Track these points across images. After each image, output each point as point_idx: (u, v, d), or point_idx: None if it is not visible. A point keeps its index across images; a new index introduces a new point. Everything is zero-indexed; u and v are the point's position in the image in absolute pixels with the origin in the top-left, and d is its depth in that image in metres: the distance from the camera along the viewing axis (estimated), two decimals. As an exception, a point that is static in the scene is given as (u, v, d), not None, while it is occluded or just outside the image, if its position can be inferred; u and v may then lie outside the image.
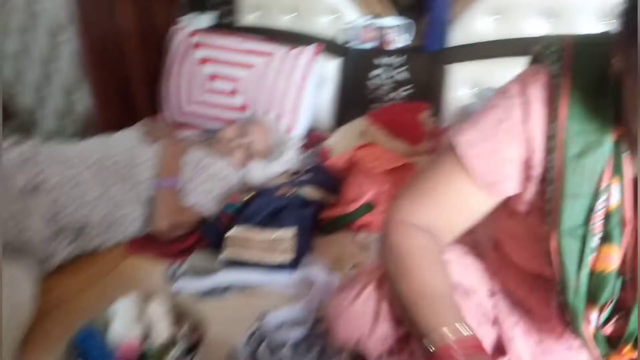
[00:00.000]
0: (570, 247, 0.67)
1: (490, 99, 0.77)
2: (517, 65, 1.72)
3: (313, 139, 1.96)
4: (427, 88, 1.87)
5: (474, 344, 0.63)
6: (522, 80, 0.72)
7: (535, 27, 1.76)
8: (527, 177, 0.71)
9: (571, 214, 0.66)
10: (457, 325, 0.64)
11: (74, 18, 1.93)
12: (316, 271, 1.18)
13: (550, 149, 0.68)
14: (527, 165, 0.70)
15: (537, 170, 0.70)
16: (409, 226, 0.75)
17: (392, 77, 1.90)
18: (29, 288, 1.09)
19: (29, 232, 1.21)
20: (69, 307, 1.16)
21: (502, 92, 0.75)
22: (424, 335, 0.64)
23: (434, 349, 0.63)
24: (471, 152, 0.72)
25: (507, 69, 1.69)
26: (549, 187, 0.68)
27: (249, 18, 2.21)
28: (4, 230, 1.17)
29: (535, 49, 0.75)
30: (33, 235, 1.21)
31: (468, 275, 0.86)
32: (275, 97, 1.88)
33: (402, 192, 0.80)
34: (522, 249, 0.79)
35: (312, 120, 1.97)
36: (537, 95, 0.69)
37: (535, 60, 0.75)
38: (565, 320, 0.71)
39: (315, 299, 1.08)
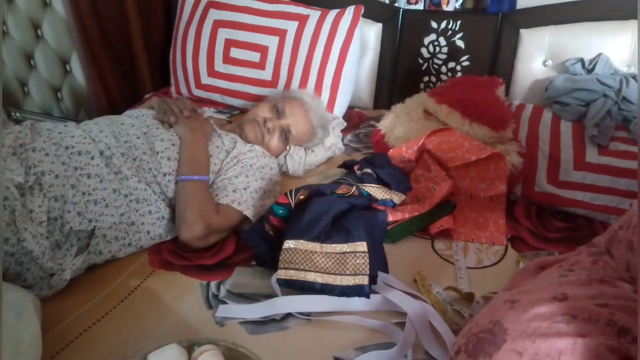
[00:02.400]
0: None
1: None
2: (601, 31, 1.50)
3: (353, 118, 1.68)
4: (492, 58, 1.59)
5: None
6: None
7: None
8: None
9: None
10: None
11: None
12: (400, 297, 0.92)
13: None
14: None
15: None
16: None
17: (448, 44, 1.62)
18: (33, 326, 0.82)
19: (27, 242, 0.93)
20: (86, 341, 0.89)
21: None
22: None
23: None
24: None
25: (589, 37, 1.49)
26: None
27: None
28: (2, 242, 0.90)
29: None
30: (33, 246, 0.93)
31: None
32: (311, 70, 1.59)
33: None
34: None
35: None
36: None
37: None
38: None
39: (410, 340, 0.83)
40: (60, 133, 1.10)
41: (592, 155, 1.21)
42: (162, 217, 1.11)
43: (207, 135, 1.25)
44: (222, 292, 0.99)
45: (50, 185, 0.99)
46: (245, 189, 1.17)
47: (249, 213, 1.14)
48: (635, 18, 1.42)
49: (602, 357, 0.57)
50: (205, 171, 1.16)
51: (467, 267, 1.04)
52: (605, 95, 1.31)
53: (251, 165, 1.22)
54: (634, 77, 1.34)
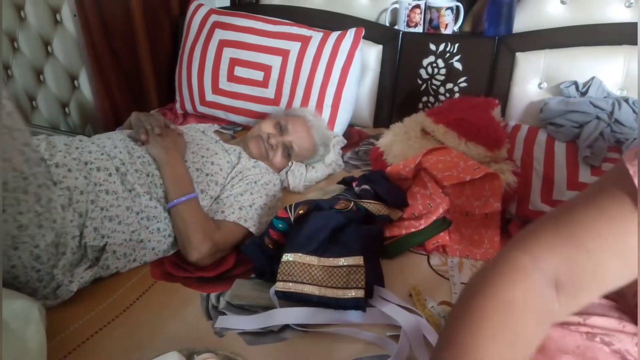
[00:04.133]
0: None
1: None
2: (594, 56, 1.55)
3: (353, 136, 1.72)
4: (489, 80, 1.63)
5: None
6: None
7: (614, 12, 1.53)
8: None
9: None
10: None
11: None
12: (395, 310, 0.95)
13: None
14: None
15: None
16: (529, 269, 0.54)
17: (446, 65, 1.66)
18: (39, 334, 0.85)
19: (65, 253, 0.97)
20: (88, 350, 0.91)
21: None
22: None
23: None
24: None
25: (583, 61, 1.54)
26: None
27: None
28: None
29: None
30: (63, 261, 0.97)
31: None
32: (312, 89, 1.63)
33: (534, 224, 0.58)
34: None
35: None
36: None
37: None
38: None
39: (404, 353, 0.85)
40: (77, 148, 1.11)
41: (585, 175, 1.24)
42: (169, 235, 1.14)
43: (182, 151, 1.23)
44: (222, 304, 1.01)
45: (77, 201, 1.01)
46: (250, 206, 1.19)
47: (254, 230, 1.17)
48: (628, 43, 1.46)
49: None
50: (190, 189, 1.15)
51: (461, 283, 1.07)
52: (598, 118, 1.35)
53: (256, 182, 1.25)
54: (626, 100, 1.38)
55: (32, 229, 0.92)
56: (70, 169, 1.04)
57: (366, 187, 1.19)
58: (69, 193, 1.01)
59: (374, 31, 1.73)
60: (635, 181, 0.50)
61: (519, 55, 1.57)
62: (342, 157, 1.57)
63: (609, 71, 1.47)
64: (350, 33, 1.64)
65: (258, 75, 1.69)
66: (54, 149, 1.08)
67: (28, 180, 0.92)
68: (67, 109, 1.96)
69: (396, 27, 1.76)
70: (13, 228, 0.90)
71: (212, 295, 1.04)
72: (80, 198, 1.02)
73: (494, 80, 1.62)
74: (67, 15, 1.73)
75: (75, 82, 1.87)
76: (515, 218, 1.26)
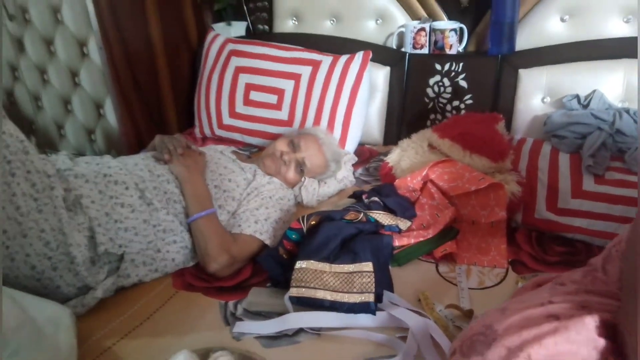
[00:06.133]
0: None
1: None
2: (595, 70, 1.59)
3: (364, 153, 1.78)
4: (494, 96, 1.69)
5: None
6: None
7: (613, 28, 1.59)
8: None
9: None
10: None
11: (99, 29, 1.77)
12: (404, 313, 0.99)
13: None
14: None
15: None
16: None
17: (452, 84, 1.73)
18: (70, 337, 0.91)
19: (73, 248, 1.02)
20: (113, 355, 0.97)
21: None
22: None
23: None
24: None
25: (584, 75, 1.59)
26: None
27: (286, 25, 2.06)
28: (47, 242, 0.99)
29: None
30: (77, 252, 1.02)
31: None
32: (323, 110, 1.71)
33: None
34: None
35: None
36: None
37: None
38: None
39: (412, 352, 0.89)
40: (97, 164, 1.21)
41: (588, 184, 1.28)
42: (186, 247, 1.20)
43: (202, 170, 1.31)
44: (239, 311, 1.07)
45: (86, 207, 1.08)
46: (266, 219, 1.26)
47: (269, 242, 1.23)
48: (627, 57, 1.51)
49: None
50: (209, 204, 1.23)
51: (469, 288, 1.10)
52: (600, 129, 1.39)
53: (270, 197, 1.32)
54: (627, 111, 1.41)
55: (33, 214, 0.96)
56: (88, 180, 1.12)
57: (375, 199, 1.24)
58: (80, 197, 1.08)
59: (381, 54, 1.81)
60: None
61: (522, 71, 1.63)
62: (354, 173, 1.63)
63: (609, 84, 1.51)
64: (359, 56, 1.72)
65: (272, 98, 1.78)
66: (76, 165, 1.16)
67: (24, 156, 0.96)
68: (93, 136, 2.07)
69: (403, 50, 1.83)
70: (13, 211, 0.94)
71: (230, 303, 1.09)
72: (90, 205, 1.08)
73: (498, 97, 1.68)
74: (94, 48, 1.85)
75: (101, 111, 1.98)
76: (521, 226, 1.30)
